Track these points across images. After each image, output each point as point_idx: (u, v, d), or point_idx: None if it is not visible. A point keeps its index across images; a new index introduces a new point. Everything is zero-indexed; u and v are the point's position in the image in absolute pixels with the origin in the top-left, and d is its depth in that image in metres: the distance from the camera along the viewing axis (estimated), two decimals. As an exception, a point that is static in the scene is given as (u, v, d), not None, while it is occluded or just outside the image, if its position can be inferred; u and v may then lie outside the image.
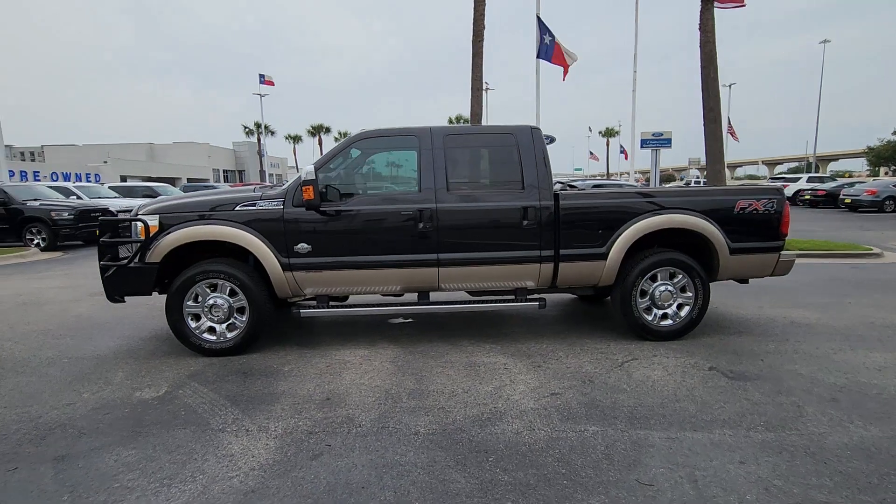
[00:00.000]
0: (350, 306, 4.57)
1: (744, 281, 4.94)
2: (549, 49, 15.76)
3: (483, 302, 4.50)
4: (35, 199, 12.81)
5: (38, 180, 35.12)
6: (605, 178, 54.98)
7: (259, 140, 47.48)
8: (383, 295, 4.57)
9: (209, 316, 4.20)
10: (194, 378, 3.75)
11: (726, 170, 12.63)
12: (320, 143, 55.87)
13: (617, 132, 52.45)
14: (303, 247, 4.15)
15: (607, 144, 54.56)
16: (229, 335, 4.23)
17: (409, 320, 5.30)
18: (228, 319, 4.23)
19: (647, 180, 31.45)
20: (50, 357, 4.26)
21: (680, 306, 4.51)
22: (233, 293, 4.19)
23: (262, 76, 37.05)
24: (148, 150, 61.00)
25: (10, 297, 6.61)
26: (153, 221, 4.10)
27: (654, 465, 2.51)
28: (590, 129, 60.79)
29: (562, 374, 3.76)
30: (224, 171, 64.59)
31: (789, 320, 5.15)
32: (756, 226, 4.50)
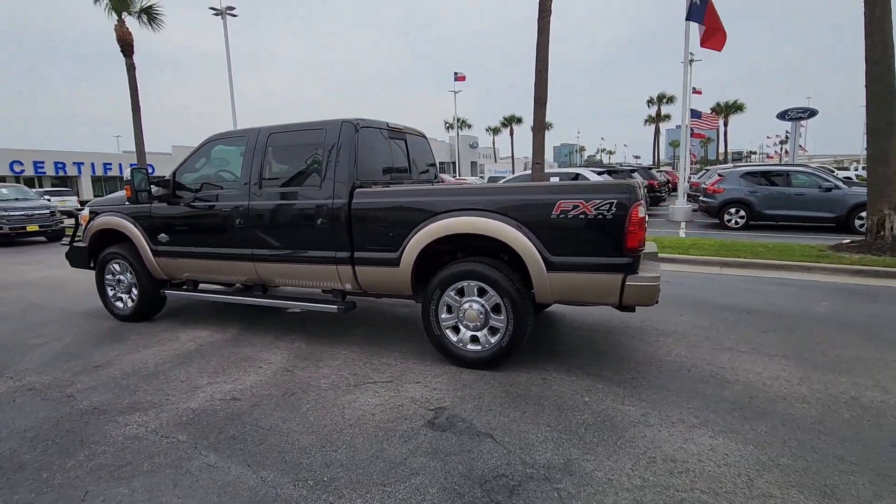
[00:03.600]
0: (215, 293, 5.10)
1: (627, 309, 3.68)
2: (700, 9, 13.06)
3: (290, 299, 4.50)
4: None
5: None
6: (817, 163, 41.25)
7: (457, 134, 51.01)
8: (249, 285, 4.94)
9: (117, 288, 5.29)
10: (81, 335, 4.83)
11: None
12: (511, 134, 56.66)
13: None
14: (163, 237, 4.85)
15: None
16: (129, 305, 5.25)
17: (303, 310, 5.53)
18: (130, 292, 5.24)
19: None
20: (34, 306, 5.98)
21: (493, 330, 3.68)
22: (132, 273, 5.17)
23: (455, 73, 39.64)
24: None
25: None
26: (85, 212, 5.36)
27: (98, 492, 2.39)
28: (867, 96, 46.07)
29: (285, 383, 3.58)
30: (440, 162, 71.55)
31: (719, 370, 3.61)
32: (585, 235, 3.34)
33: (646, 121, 52.16)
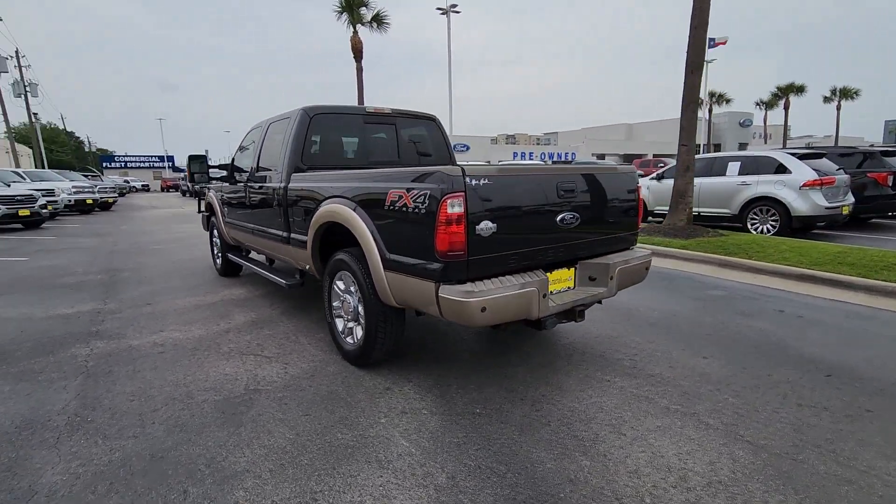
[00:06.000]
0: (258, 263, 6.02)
1: (532, 325, 3.00)
2: None
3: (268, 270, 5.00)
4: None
5: (531, 159, 47.13)
6: None
7: (710, 110, 43.25)
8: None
9: (215, 248, 6.78)
10: (182, 282, 6.44)
11: None
12: (786, 108, 44.06)
13: None
14: (226, 210, 6.01)
15: None
16: (219, 262, 6.68)
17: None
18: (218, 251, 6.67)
19: None
20: (200, 257, 8.00)
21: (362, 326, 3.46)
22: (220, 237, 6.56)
23: (712, 39, 33.80)
24: (627, 129, 66.76)
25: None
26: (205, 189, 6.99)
27: None
28: None
29: (208, 340, 4.12)
30: (700, 144, 62.25)
31: (603, 439, 2.63)
32: (408, 231, 2.82)
33: None
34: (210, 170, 5.88)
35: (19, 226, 13.46)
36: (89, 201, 19.61)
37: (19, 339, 4.20)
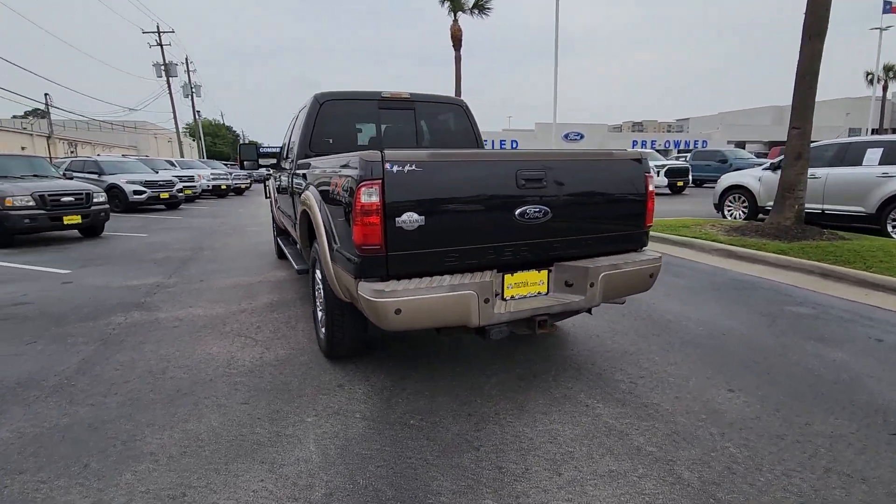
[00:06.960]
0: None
1: (477, 333, 2.72)
2: None
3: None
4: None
5: (653, 147, 43.52)
6: None
7: (885, 87, 35.59)
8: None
9: (273, 232, 7.19)
10: (245, 263, 6.96)
11: None
12: None
13: None
14: (275, 195, 6.31)
15: None
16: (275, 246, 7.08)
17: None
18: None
19: None
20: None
21: (332, 318, 3.36)
22: (279, 221, 6.93)
23: (887, 4, 27.93)
24: (776, 113, 57.96)
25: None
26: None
27: None
28: None
29: (220, 318, 4.32)
30: (868, 129, 52.06)
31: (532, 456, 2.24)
32: (342, 221, 2.61)
33: None
34: (260, 158, 6.19)
35: (162, 206, 15.74)
36: (223, 187, 22.27)
37: (82, 304, 4.82)
